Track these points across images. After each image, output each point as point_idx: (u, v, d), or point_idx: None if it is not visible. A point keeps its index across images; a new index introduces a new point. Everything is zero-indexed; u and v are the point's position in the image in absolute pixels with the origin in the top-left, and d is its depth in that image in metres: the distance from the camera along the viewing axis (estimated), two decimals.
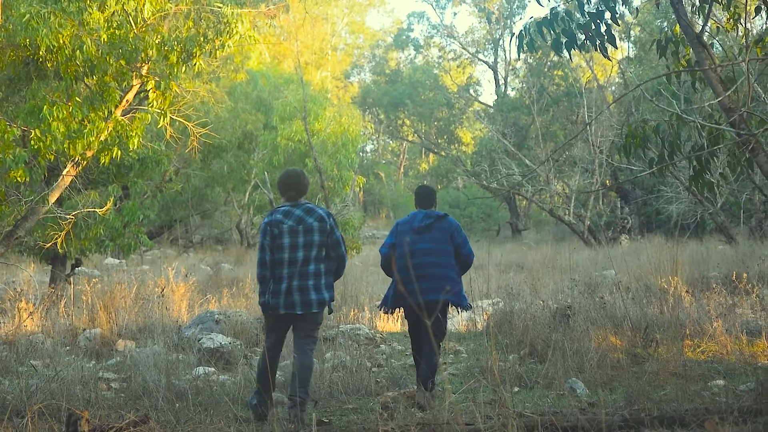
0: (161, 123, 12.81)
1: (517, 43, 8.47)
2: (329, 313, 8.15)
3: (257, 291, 8.22)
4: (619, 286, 13.86)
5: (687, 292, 13.06)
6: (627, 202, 36.70)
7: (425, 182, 54.84)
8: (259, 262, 7.87)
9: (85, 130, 11.98)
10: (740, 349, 10.27)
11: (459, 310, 9.17)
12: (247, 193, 32.06)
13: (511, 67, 54.60)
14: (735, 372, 9.40)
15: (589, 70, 38.95)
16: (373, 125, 61.59)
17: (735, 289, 13.75)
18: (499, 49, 55.97)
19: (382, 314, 13.42)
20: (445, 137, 56.43)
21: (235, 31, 13.01)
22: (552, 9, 8.20)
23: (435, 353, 8.59)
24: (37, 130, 11.71)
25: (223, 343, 11.19)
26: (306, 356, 7.80)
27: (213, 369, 10.32)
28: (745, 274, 13.88)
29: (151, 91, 12.61)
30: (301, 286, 7.72)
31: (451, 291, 8.76)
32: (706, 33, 8.48)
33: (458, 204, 47.60)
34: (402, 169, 67.08)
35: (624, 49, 41.81)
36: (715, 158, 9.10)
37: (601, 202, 34.87)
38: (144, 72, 12.69)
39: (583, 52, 9.44)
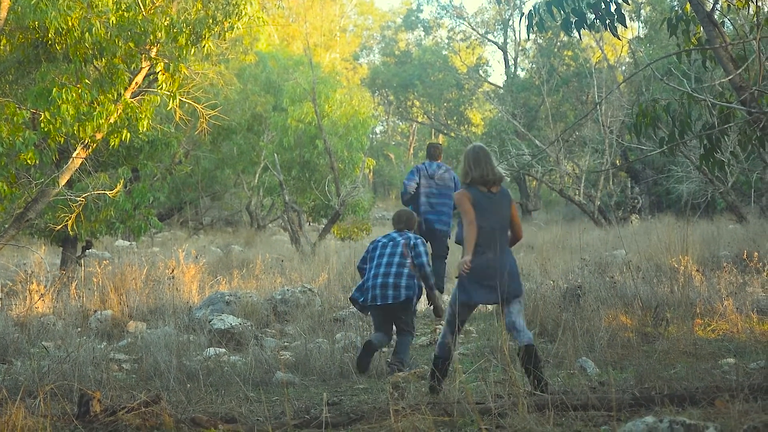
0: (170, 105, 12.81)
1: (526, 23, 8.46)
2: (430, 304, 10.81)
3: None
4: (629, 265, 13.82)
5: (697, 271, 13.02)
6: (637, 181, 36.57)
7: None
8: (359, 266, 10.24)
9: (95, 113, 11.97)
10: (751, 328, 10.26)
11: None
12: (257, 175, 32.03)
13: (520, 48, 54.22)
14: (745, 350, 9.38)
15: (599, 50, 38.74)
16: (382, 107, 61.40)
17: (746, 267, 13.69)
18: (508, 29, 55.55)
19: None
20: (454, 118, 56.15)
21: (243, 13, 13.01)
22: None
23: (444, 266, 12.54)
24: (46, 112, 11.72)
25: (233, 324, 11.24)
26: (400, 335, 9.61)
27: (224, 350, 10.37)
28: (756, 253, 13.80)
29: (160, 73, 12.62)
30: (383, 284, 9.47)
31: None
32: (717, 11, 8.45)
33: None
34: (411, 151, 66.86)
35: (634, 28, 41.59)
36: (725, 137, 9.05)
37: (611, 182, 34.61)
38: (153, 54, 12.69)
39: (593, 32, 9.42)
